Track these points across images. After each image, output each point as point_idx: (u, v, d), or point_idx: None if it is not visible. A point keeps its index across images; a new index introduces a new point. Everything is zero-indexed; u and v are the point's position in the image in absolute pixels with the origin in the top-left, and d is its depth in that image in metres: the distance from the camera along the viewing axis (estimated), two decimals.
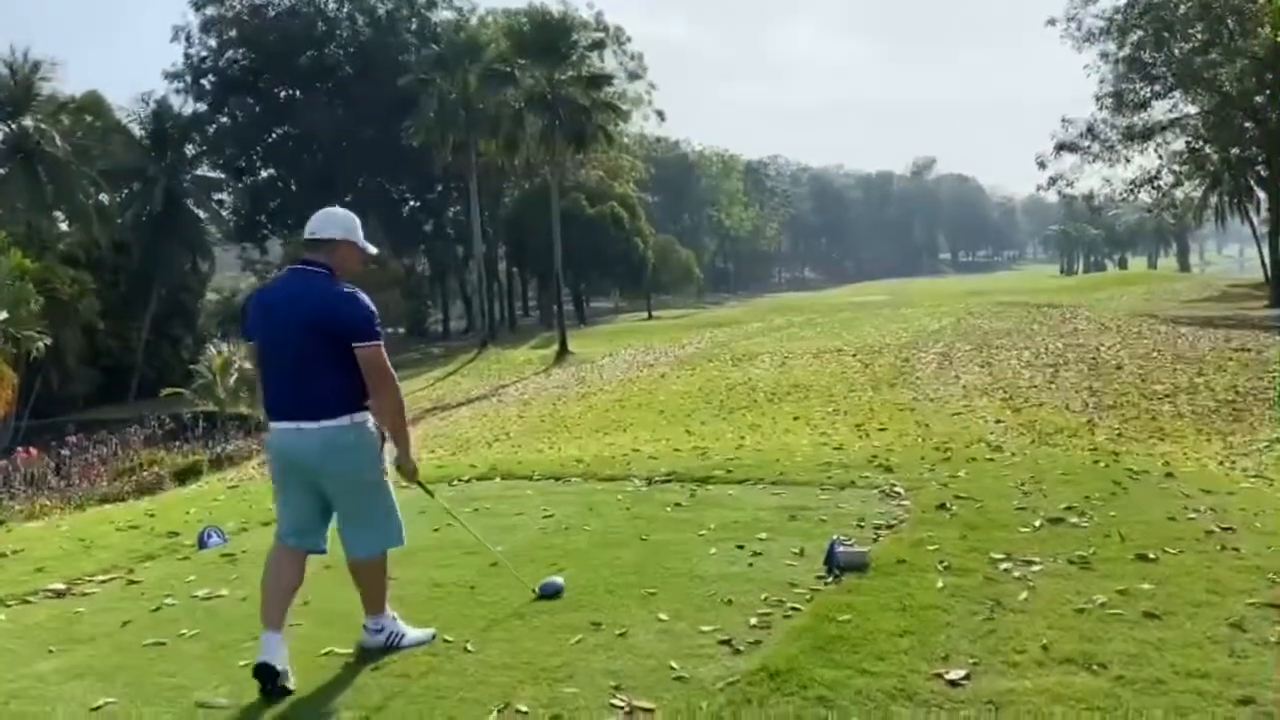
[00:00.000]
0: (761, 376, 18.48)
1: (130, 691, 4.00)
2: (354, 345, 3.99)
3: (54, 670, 4.32)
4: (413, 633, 4.33)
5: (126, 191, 47.53)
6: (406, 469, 4.33)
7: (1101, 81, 40.26)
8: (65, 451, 27.36)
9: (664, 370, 22.50)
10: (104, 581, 5.76)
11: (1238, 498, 6.33)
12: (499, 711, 3.54)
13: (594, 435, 14.28)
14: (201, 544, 6.41)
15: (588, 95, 38.22)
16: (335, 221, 4.20)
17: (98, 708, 3.85)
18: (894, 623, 4.12)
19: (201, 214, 50.37)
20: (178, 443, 28.19)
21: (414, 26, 55.77)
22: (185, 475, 20.59)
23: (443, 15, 55.87)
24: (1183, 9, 37.36)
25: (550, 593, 4.83)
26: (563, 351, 35.72)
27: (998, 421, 11.80)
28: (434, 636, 4.33)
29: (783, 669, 3.67)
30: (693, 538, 5.76)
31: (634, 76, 62.65)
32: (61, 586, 5.62)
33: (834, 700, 3.43)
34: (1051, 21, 40.69)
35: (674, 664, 3.86)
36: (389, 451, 4.29)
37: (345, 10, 55.97)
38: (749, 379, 18.33)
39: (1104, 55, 39.89)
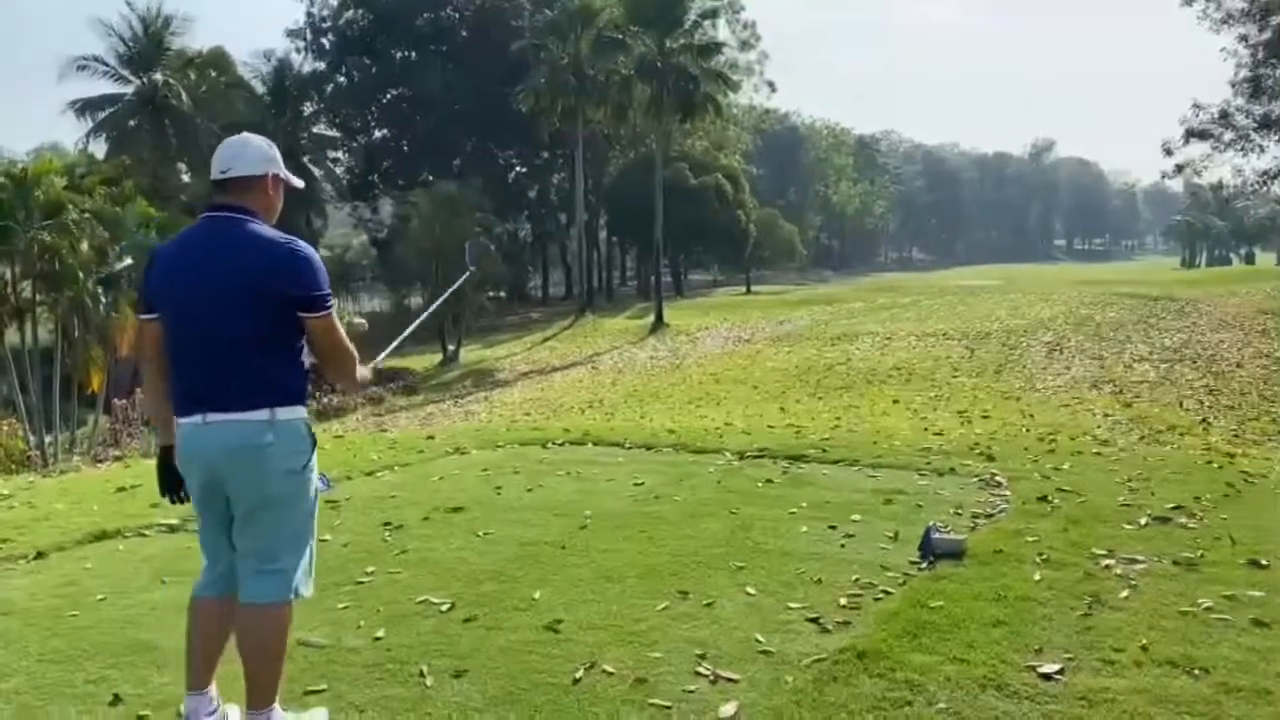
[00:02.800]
0: (862, 357, 18.25)
1: None
2: (303, 315, 3.04)
3: (165, 600, 4.51)
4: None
5: None
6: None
7: (1239, 66, 38.33)
8: None
9: (760, 346, 22.40)
10: None
11: None
12: (586, 670, 3.58)
13: (686, 407, 14.30)
14: None
15: (698, 64, 37.98)
16: (254, 152, 3.18)
17: None
18: (988, 612, 4.04)
19: (317, 171, 51.73)
20: None
21: None
22: None
23: None
24: None
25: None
26: (658, 323, 35.78)
27: (1106, 415, 11.45)
28: None
29: (871, 650, 3.64)
30: (784, 514, 5.74)
31: (746, 46, 62.05)
32: (175, 522, 5.88)
33: (922, 685, 3.39)
34: (1188, 2, 38.91)
35: (760, 637, 3.86)
36: None
37: None
38: (848, 359, 18.12)
39: (1243, 38, 37.97)
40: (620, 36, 39.07)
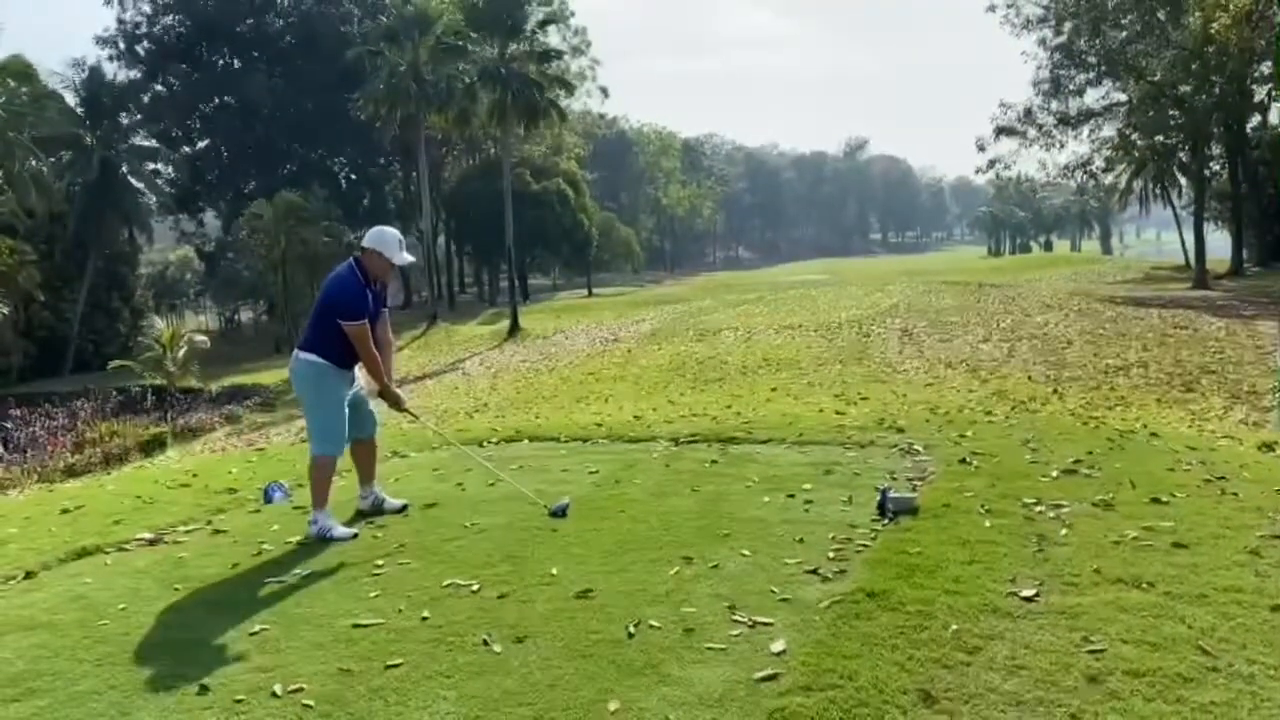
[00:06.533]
0: (729, 351, 19.03)
1: (278, 619, 4.36)
2: (339, 320, 5.64)
3: (192, 605, 4.65)
4: (340, 529, 5.68)
5: (54, 160, 46.33)
6: (388, 399, 5.93)
7: (1039, 68, 41.56)
8: (9, 424, 27.00)
9: (629, 345, 22.96)
10: (188, 531, 6.07)
11: (1219, 453, 7.02)
12: (634, 626, 3.98)
13: (577, 405, 14.69)
14: (267, 499, 6.73)
15: (539, 70, 38.30)
16: (371, 235, 5.86)
17: (255, 633, 4.21)
18: (959, 554, 4.65)
19: (138, 184, 49.35)
20: (128, 415, 27.97)
21: None
22: (150, 447, 20.55)
23: None
24: None
25: (560, 511, 5.75)
26: (515, 327, 35.93)
27: (970, 391, 12.49)
28: (356, 535, 5.66)
29: (878, 590, 4.17)
30: (741, 489, 6.25)
31: (577, 52, 62.57)
32: (151, 536, 5.91)
33: (932, 614, 3.93)
34: (991, 8, 41.88)
35: (774, 588, 4.34)
36: (364, 383, 6.04)
37: None
38: (717, 354, 18.87)
39: (1041, 42, 41.17)
40: (460, 43, 38.98)
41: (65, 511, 6.79)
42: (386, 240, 5.82)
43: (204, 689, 3.67)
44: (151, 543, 5.82)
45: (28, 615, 4.58)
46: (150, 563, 5.42)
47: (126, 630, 4.34)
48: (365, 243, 5.84)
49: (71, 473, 18.09)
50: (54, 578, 5.24)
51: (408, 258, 5.95)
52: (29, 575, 5.26)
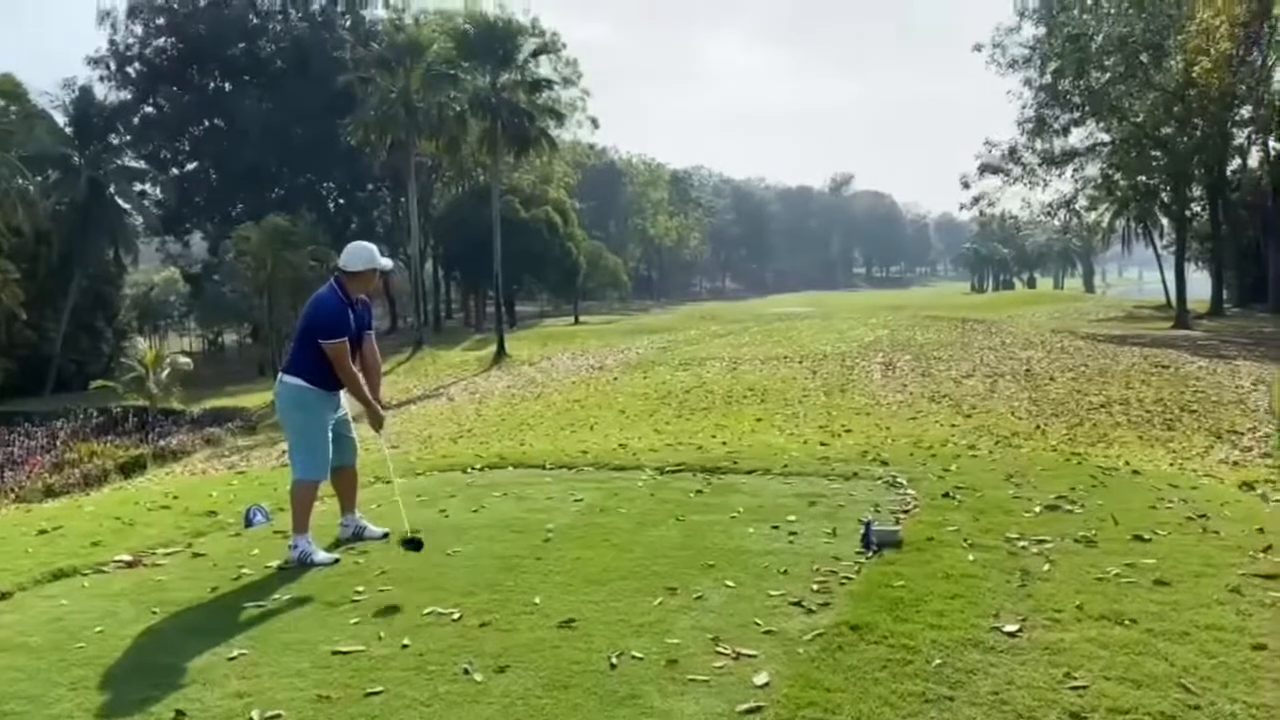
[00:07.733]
0: (714, 380, 19.06)
1: (257, 644, 4.31)
2: (319, 340, 5.62)
3: (170, 629, 4.61)
4: (321, 554, 5.65)
5: (41, 179, 46.22)
6: (371, 421, 5.87)
7: (1024, 107, 42.06)
8: None
9: (616, 373, 22.97)
10: (167, 554, 6.01)
11: (1201, 491, 7.06)
12: (617, 657, 3.95)
13: (561, 432, 14.67)
14: (248, 522, 6.68)
15: (530, 100, 38.51)
16: (346, 255, 5.83)
17: (234, 658, 4.17)
18: (942, 588, 4.65)
19: (125, 205, 49.24)
20: (109, 436, 27.79)
21: (349, 23, 55.31)
22: (130, 468, 20.37)
23: (377, 13, 55.61)
24: (1099, 40, 39.25)
25: (413, 544, 5.62)
26: (501, 354, 35.89)
27: (953, 426, 12.53)
28: (338, 560, 5.62)
29: (861, 623, 4.17)
30: (725, 519, 6.24)
31: (568, 83, 62.86)
32: (130, 558, 5.85)
33: (915, 648, 3.93)
34: (978, 47, 42.49)
35: (758, 620, 4.33)
36: (349, 408, 6.00)
37: (278, 3, 55.28)
38: (702, 383, 18.89)
39: (1027, 82, 41.71)
40: (451, 71, 39.19)
41: (42, 532, 6.72)
42: (363, 256, 5.79)
43: (180, 714, 3.62)
44: (130, 565, 5.76)
45: (2, 637, 4.52)
46: (128, 585, 5.36)
47: (102, 653, 4.29)
48: (342, 265, 5.82)
49: (50, 493, 17.92)
50: (29, 599, 5.18)
51: (386, 263, 5.93)
52: (4, 596, 5.20)
